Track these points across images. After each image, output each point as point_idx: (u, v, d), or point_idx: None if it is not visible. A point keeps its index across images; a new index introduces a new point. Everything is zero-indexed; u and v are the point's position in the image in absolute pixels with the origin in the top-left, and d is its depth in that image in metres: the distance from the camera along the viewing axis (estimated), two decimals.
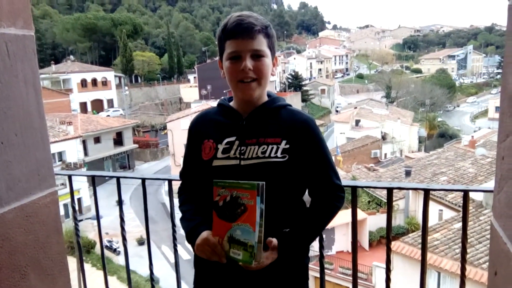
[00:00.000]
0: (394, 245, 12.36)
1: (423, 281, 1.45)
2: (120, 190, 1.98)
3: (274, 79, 46.04)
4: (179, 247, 1.98)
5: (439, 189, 1.59)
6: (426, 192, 1.48)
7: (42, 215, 0.92)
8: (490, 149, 20.32)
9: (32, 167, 0.92)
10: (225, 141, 1.37)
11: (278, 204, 1.32)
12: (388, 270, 1.59)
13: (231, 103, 1.44)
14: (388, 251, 1.61)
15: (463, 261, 1.53)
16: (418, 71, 77.98)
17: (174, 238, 1.95)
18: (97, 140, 29.69)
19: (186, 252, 14.90)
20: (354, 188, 1.68)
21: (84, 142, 27.48)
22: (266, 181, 1.21)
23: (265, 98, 1.40)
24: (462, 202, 1.50)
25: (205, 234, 1.29)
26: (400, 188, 1.61)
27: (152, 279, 1.90)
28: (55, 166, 20.87)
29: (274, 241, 1.27)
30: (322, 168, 1.38)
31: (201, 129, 1.46)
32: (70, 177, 2.11)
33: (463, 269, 1.53)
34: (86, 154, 27.61)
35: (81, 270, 2.08)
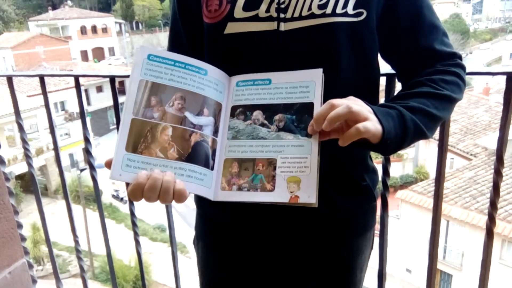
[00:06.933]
0: (403, 194, 12.21)
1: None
2: None
3: None
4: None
5: None
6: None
7: None
8: None
9: None
10: None
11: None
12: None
13: None
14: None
15: (497, 182, 1.04)
16: None
17: None
18: (99, 89, 29.08)
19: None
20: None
21: (86, 91, 26.92)
22: (327, 60, 0.72)
23: None
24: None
25: None
26: None
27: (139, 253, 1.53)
28: (58, 116, 20.57)
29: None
30: (426, 30, 0.80)
31: None
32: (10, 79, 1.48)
33: (495, 188, 1.05)
34: (89, 103, 27.14)
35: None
